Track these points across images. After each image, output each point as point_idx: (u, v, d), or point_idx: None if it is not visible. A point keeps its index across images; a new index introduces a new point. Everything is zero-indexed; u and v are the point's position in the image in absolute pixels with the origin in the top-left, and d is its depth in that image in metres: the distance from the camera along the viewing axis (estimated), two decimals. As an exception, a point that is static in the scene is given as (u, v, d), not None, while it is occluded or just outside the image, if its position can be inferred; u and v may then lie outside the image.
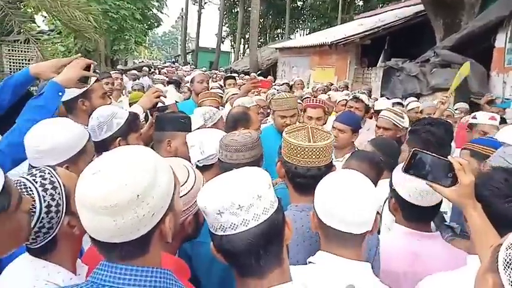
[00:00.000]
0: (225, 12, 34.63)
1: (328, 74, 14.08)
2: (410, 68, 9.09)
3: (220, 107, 4.09)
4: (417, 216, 1.58)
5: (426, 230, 1.61)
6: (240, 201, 0.88)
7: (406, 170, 1.35)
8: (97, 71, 2.45)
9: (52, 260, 1.08)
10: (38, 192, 1.05)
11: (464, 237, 1.77)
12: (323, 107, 3.50)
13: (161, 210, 0.85)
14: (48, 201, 1.05)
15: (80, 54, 2.06)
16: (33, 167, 1.32)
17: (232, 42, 39.85)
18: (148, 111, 2.53)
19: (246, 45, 36.10)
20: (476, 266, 1.04)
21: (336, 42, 13.45)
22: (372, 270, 1.22)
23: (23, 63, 10.44)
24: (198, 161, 1.87)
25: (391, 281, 1.52)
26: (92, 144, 1.68)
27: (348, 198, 1.17)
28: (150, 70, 13.78)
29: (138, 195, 0.79)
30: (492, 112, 3.96)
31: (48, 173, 1.09)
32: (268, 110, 4.14)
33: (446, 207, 2.17)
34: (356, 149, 2.98)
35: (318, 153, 1.47)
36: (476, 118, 3.45)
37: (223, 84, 6.20)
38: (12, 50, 11.34)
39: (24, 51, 10.19)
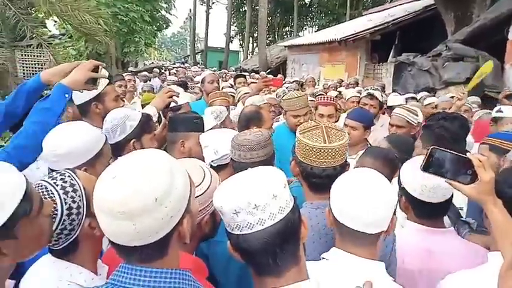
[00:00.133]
0: (232, 12, 34.64)
1: (338, 71, 14.00)
2: (422, 63, 9.00)
3: (232, 107, 4.11)
4: (429, 212, 1.56)
5: (439, 226, 1.59)
6: (256, 200, 0.89)
7: (425, 169, 1.33)
8: (108, 73, 2.44)
9: (74, 261, 1.10)
10: (59, 195, 1.07)
11: (482, 232, 1.75)
12: (334, 104, 3.48)
13: (179, 213, 0.86)
14: (69, 204, 1.07)
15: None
16: (53, 170, 1.35)
17: (241, 41, 39.82)
18: (161, 112, 2.55)
19: (255, 44, 36.05)
20: (498, 263, 1.03)
21: (345, 39, 13.37)
22: (385, 269, 1.21)
23: (36, 68, 10.61)
24: (212, 161, 1.88)
25: (407, 279, 1.51)
26: (109, 147, 1.70)
27: (363, 197, 1.16)
28: (160, 71, 13.86)
29: (155, 199, 0.80)
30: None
31: (69, 176, 1.11)
32: (280, 109, 4.14)
33: (462, 203, 2.14)
34: (369, 146, 2.96)
35: (333, 153, 1.47)
36: (502, 112, 3.40)
37: (233, 83, 6.20)
38: (25, 55, 11.53)
39: (37, 56, 10.35)
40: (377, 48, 13.17)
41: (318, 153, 1.46)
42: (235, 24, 38.13)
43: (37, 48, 7.72)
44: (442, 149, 1.33)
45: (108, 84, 2.31)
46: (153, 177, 0.82)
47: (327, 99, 3.58)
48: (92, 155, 1.56)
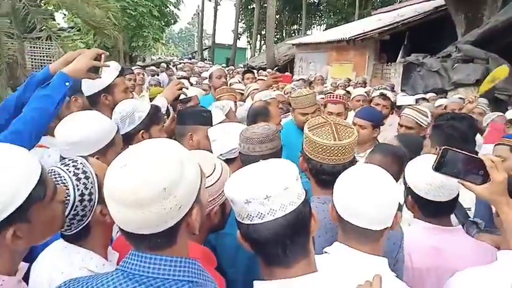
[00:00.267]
0: (241, 9, 34.61)
1: (346, 70, 13.95)
2: (432, 63, 8.94)
3: (240, 102, 4.11)
4: (436, 211, 1.55)
5: (446, 224, 1.58)
6: (268, 191, 0.89)
7: (437, 169, 1.33)
8: (121, 66, 2.43)
9: (85, 246, 1.12)
10: (71, 181, 1.08)
11: (490, 232, 1.74)
12: (344, 103, 3.47)
13: (188, 203, 0.86)
14: (82, 190, 1.08)
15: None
16: (64, 158, 1.36)
17: (249, 39, 39.84)
18: (170, 105, 2.56)
19: (263, 41, 36.06)
20: (509, 261, 1.03)
21: (354, 38, 13.31)
22: (388, 265, 1.20)
23: (44, 60, 10.68)
24: (221, 154, 1.89)
25: (415, 278, 1.51)
26: (120, 137, 1.72)
27: (367, 194, 1.15)
28: (167, 66, 13.93)
29: (165, 189, 0.80)
30: None
31: (81, 163, 1.12)
32: (288, 106, 4.13)
33: (470, 203, 2.13)
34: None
35: (343, 150, 1.46)
36: None
37: (242, 79, 6.20)
38: (34, 47, 11.60)
39: (47, 48, 10.42)
40: (386, 48, 13.10)
41: (328, 151, 1.46)
42: (243, 21, 38.11)
43: (46, 40, 7.76)
44: (453, 149, 1.32)
45: (118, 77, 2.32)
46: (162, 166, 0.82)
47: (337, 97, 3.57)
48: (104, 144, 1.57)
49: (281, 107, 4.08)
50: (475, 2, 9.12)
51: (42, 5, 7.59)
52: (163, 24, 19.19)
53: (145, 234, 0.83)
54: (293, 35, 34.55)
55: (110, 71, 2.30)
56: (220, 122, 2.32)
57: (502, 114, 4.12)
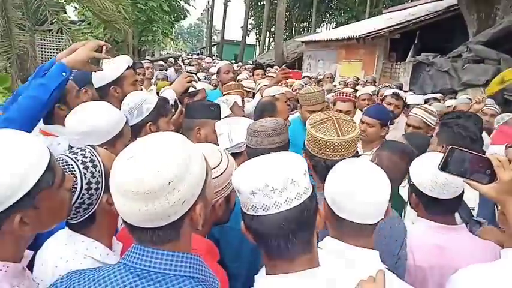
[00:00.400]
0: (251, 5, 34.54)
1: (355, 68, 13.86)
2: (442, 63, 8.86)
3: (248, 98, 4.11)
4: (440, 209, 1.54)
5: (450, 222, 1.56)
6: (273, 183, 0.89)
7: (443, 168, 1.31)
8: (133, 61, 2.44)
9: (90, 235, 1.12)
10: (79, 169, 1.09)
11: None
12: (353, 101, 3.45)
13: (192, 198, 0.85)
14: (89, 179, 1.09)
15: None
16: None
17: (258, 35, 39.74)
18: (178, 98, 2.57)
19: (271, 38, 35.95)
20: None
21: (364, 36, 13.20)
22: (379, 258, 1.18)
23: (54, 53, 10.77)
24: (227, 148, 1.89)
25: (418, 276, 1.50)
26: (129, 128, 1.72)
27: (361, 191, 1.13)
28: (175, 61, 13.98)
29: (169, 182, 0.80)
30: None
31: (89, 152, 1.13)
32: (296, 103, 4.12)
33: (473, 203, 2.12)
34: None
35: (347, 146, 1.46)
36: None
37: (252, 74, 6.21)
38: (45, 40, 11.69)
39: (57, 41, 10.49)
40: (396, 47, 12.99)
41: (332, 147, 1.46)
42: (252, 18, 38.05)
43: (57, 33, 7.80)
44: (460, 148, 1.31)
45: (127, 69, 2.33)
46: (168, 160, 0.82)
47: (347, 95, 3.54)
48: (113, 135, 1.58)
49: (288, 103, 4.08)
50: (488, 2, 9.00)
51: (54, -3, 7.63)
52: (173, 19, 19.20)
53: (149, 228, 0.83)
54: (302, 32, 34.41)
55: (120, 64, 2.32)
56: (226, 117, 2.33)
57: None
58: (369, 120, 2.93)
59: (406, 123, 3.26)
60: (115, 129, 1.59)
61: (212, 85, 5.28)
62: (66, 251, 1.09)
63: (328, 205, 1.21)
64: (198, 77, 6.37)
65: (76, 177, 1.07)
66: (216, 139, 1.99)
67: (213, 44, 39.63)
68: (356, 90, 5.80)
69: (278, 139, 1.74)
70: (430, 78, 9.22)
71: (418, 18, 12.84)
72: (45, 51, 11.89)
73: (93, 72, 2.15)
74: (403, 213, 1.85)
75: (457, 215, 1.69)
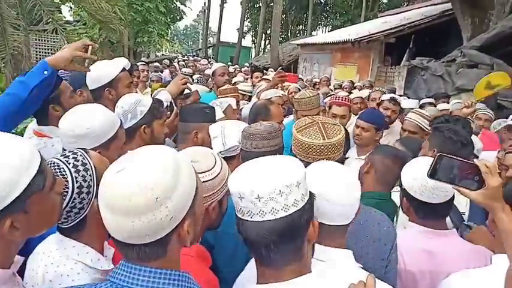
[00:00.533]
0: (247, 7, 34.56)
1: (350, 72, 13.91)
2: (436, 68, 8.90)
3: (244, 102, 4.11)
4: (430, 213, 1.54)
5: (441, 227, 1.57)
6: (259, 191, 0.87)
7: (432, 175, 1.32)
8: (130, 64, 2.44)
9: (81, 240, 1.11)
10: (71, 173, 1.08)
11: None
12: (349, 105, 3.46)
13: (180, 214, 0.84)
14: (80, 183, 1.08)
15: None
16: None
17: (254, 38, 39.78)
18: (173, 100, 2.57)
19: (267, 41, 35.96)
20: (503, 265, 1.03)
21: (359, 40, 13.26)
22: (354, 257, 1.18)
23: (49, 53, 10.70)
24: (220, 152, 1.89)
25: (408, 280, 1.51)
26: (123, 131, 1.71)
27: (326, 191, 1.11)
28: (170, 63, 13.96)
29: (156, 198, 0.79)
30: None
31: (81, 155, 1.12)
32: (291, 106, 4.13)
33: (464, 208, 2.13)
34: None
35: (333, 149, 1.47)
36: None
37: (250, 77, 6.22)
38: (40, 40, 11.62)
39: (52, 41, 10.43)
40: (391, 51, 13.04)
41: (318, 150, 1.46)
42: (248, 20, 38.08)
43: (52, 33, 7.76)
44: (448, 155, 1.32)
45: (122, 71, 2.32)
46: (156, 176, 0.80)
47: (343, 100, 3.55)
48: (107, 138, 1.57)
49: (283, 107, 4.08)
50: (483, 7, 9.07)
51: (50, -3, 7.58)
52: (169, 20, 19.17)
53: (135, 244, 0.82)
54: (298, 35, 34.51)
55: (114, 66, 2.31)
56: (219, 119, 2.33)
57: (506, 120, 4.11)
58: (364, 124, 2.94)
59: (402, 128, 3.27)
60: (109, 132, 1.58)
61: (209, 87, 5.28)
62: (57, 256, 1.08)
63: None
64: (192, 79, 6.38)
65: (67, 181, 1.07)
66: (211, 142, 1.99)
67: (208, 45, 39.58)
68: (349, 94, 5.83)
69: (272, 142, 1.75)
70: (424, 82, 9.26)
71: (413, 22, 12.90)
72: (39, 51, 11.82)
73: (87, 74, 2.14)
74: (395, 218, 1.86)
75: (448, 219, 1.70)
